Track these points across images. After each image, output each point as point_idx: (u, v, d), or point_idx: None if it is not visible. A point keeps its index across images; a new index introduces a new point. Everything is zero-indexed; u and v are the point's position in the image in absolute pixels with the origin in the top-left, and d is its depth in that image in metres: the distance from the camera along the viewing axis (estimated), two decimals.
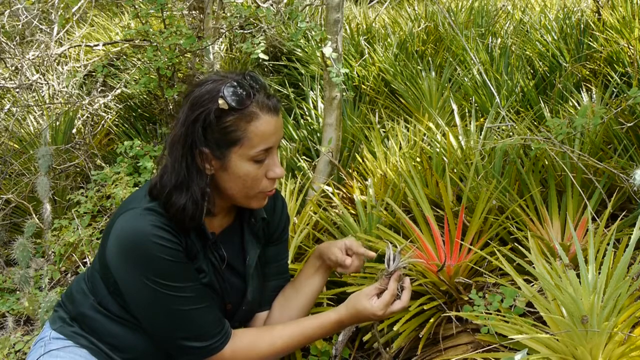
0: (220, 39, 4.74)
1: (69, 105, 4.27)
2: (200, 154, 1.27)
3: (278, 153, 1.34)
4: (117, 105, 4.71)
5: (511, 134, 2.67)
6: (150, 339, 1.37)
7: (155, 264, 1.24)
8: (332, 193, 2.70)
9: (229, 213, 1.45)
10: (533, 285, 1.74)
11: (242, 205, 1.37)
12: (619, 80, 3.10)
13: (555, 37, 4.08)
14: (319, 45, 2.73)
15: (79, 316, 1.40)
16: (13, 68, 4.77)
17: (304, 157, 3.32)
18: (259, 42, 3.00)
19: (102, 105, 4.63)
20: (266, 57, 3.06)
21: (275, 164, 1.31)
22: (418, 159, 2.72)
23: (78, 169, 3.68)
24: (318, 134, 3.50)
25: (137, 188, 2.57)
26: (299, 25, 2.73)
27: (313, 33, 2.68)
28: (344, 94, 3.84)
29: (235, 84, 1.26)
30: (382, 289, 1.38)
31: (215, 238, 1.39)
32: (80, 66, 5.06)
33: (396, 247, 1.42)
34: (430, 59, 4.14)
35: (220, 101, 1.24)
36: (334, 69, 2.63)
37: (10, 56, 4.77)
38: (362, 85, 4.12)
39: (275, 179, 1.33)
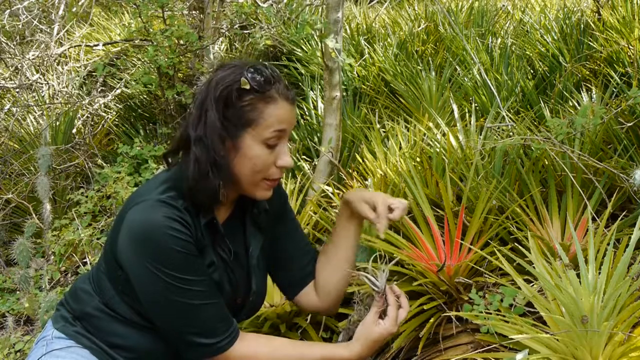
0: (220, 39, 4.74)
1: (69, 105, 4.27)
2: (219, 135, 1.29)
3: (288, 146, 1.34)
4: (117, 105, 4.71)
5: (511, 134, 2.67)
6: (156, 339, 1.37)
7: (168, 255, 1.24)
8: (332, 193, 2.70)
9: (230, 205, 1.45)
10: (533, 285, 1.74)
11: (247, 194, 1.36)
12: (619, 80, 3.10)
13: (555, 37, 4.08)
14: (321, 40, 2.73)
15: (83, 315, 1.40)
16: (13, 68, 4.77)
17: (304, 157, 3.33)
18: (262, 36, 3.03)
19: (102, 105, 4.64)
20: (270, 44, 3.07)
21: (286, 152, 1.32)
22: (418, 159, 2.72)
23: (78, 169, 3.68)
24: (318, 134, 3.50)
25: (136, 188, 2.57)
26: (303, 17, 2.73)
27: (316, 26, 2.68)
28: (347, 85, 3.84)
29: (258, 68, 1.30)
30: (382, 308, 1.38)
31: (223, 230, 1.39)
32: (80, 66, 5.07)
33: (367, 268, 1.42)
34: (430, 59, 4.14)
35: (243, 80, 1.27)
36: (339, 59, 2.63)
37: (10, 56, 4.77)
38: (362, 85, 4.12)
39: (283, 168, 1.33)
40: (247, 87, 1.27)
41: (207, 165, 1.28)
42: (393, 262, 1.45)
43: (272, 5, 4.22)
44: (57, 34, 4.97)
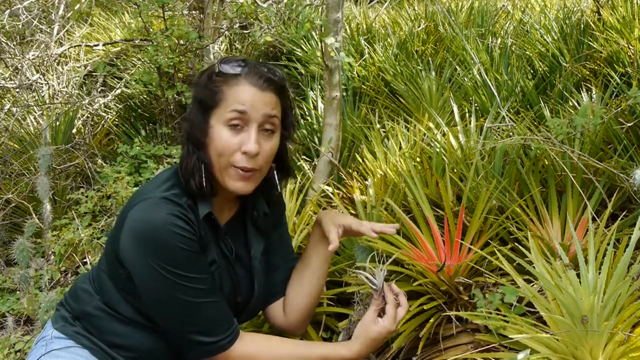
0: (220, 39, 4.75)
1: (69, 105, 4.27)
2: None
3: (259, 134, 1.33)
4: (117, 105, 4.71)
5: (511, 134, 2.67)
6: (157, 338, 1.37)
7: (171, 252, 1.24)
8: (332, 193, 2.70)
9: (233, 206, 1.46)
10: (533, 285, 1.74)
11: (222, 183, 1.35)
12: (619, 80, 3.09)
13: (555, 37, 4.08)
14: (320, 40, 2.73)
15: (83, 315, 1.40)
16: (13, 68, 4.77)
17: (304, 157, 3.33)
18: (261, 34, 3.04)
19: (102, 105, 4.64)
20: (270, 41, 3.09)
21: (251, 138, 1.30)
22: (418, 159, 2.72)
23: (78, 169, 3.68)
24: (318, 134, 3.50)
25: (136, 188, 2.57)
26: (304, 15, 2.73)
27: (316, 22, 2.68)
28: (347, 85, 3.84)
29: (240, 59, 1.35)
30: (380, 306, 1.38)
31: (225, 229, 1.40)
32: (80, 66, 5.07)
33: (365, 268, 1.43)
34: (430, 59, 4.14)
35: (216, 65, 1.36)
36: (339, 58, 2.63)
37: (10, 56, 4.77)
38: (362, 85, 4.12)
39: (248, 155, 1.31)
40: (216, 70, 1.34)
41: (188, 144, 1.34)
42: (390, 260, 1.46)
43: (272, 5, 4.23)
44: (57, 34, 4.97)
